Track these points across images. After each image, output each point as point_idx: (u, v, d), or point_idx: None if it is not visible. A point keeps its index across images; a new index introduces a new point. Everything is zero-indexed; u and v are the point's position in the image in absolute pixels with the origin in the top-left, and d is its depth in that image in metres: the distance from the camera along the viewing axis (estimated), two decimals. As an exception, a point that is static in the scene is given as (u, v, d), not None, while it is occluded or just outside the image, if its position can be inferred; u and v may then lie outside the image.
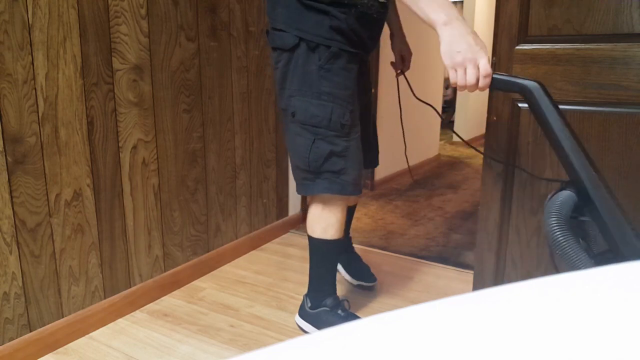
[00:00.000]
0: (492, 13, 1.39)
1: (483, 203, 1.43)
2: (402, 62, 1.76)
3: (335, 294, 1.58)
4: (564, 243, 0.90)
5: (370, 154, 1.66)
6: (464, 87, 1.08)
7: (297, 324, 1.65)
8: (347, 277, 1.94)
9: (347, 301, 1.64)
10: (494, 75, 1.07)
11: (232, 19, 2.01)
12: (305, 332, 1.63)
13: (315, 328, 1.60)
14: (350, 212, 1.89)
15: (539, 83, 1.02)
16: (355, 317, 1.61)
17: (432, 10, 1.10)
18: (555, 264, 1.01)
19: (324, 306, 1.55)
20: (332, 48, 1.33)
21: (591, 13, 1.20)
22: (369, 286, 1.89)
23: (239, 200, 2.18)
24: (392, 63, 1.79)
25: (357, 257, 1.99)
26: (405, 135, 2.07)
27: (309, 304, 1.59)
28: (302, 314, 1.62)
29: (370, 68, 1.69)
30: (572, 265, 0.89)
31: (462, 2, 5.34)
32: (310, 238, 1.54)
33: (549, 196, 0.97)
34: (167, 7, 1.71)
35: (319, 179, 1.43)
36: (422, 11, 1.11)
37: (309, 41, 1.33)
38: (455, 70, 1.08)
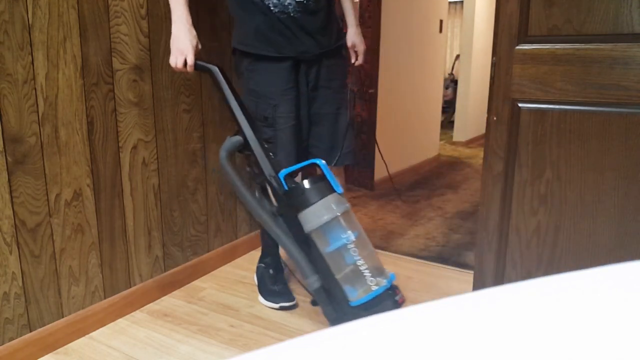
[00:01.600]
0: (492, 13, 1.39)
1: (483, 203, 1.43)
2: (355, 55, 1.79)
3: (275, 255, 1.87)
4: (227, 169, 1.39)
5: (332, 151, 1.69)
6: (175, 69, 1.51)
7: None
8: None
9: (287, 268, 1.93)
10: (197, 62, 1.51)
11: (232, 19, 2.00)
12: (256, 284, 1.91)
13: (257, 279, 1.91)
14: None
15: (219, 67, 1.48)
16: (283, 283, 1.84)
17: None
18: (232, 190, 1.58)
19: (262, 262, 1.89)
20: (253, 53, 1.58)
21: (591, 13, 1.20)
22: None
23: (239, 200, 2.18)
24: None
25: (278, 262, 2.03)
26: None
27: (258, 260, 1.94)
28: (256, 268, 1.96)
29: (340, 66, 1.71)
30: (233, 185, 1.39)
31: (462, 2, 5.34)
32: None
33: (226, 139, 1.44)
34: (167, 7, 1.71)
35: None
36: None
37: (236, 49, 1.64)
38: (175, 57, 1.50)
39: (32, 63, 1.34)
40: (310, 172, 1.61)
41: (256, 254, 2.26)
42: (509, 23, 1.30)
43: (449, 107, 6.33)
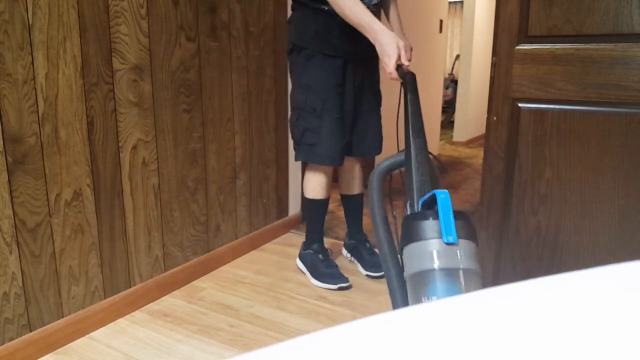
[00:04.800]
0: (492, 13, 1.39)
1: (483, 203, 1.43)
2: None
3: (321, 242, 2.01)
4: (372, 192, 1.17)
5: (372, 143, 1.94)
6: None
7: (297, 265, 2.06)
8: (359, 267, 2.08)
9: (330, 250, 2.06)
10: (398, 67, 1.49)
11: (232, 19, 2.01)
12: (302, 271, 2.01)
13: (304, 266, 2.00)
14: (357, 204, 2.12)
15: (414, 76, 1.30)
16: (334, 266, 1.96)
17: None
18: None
19: (310, 249, 2.00)
20: (308, 50, 1.76)
21: (591, 13, 1.20)
22: (376, 276, 2.00)
23: (239, 200, 2.18)
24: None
25: (369, 249, 2.10)
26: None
27: (302, 248, 2.04)
28: (299, 256, 2.06)
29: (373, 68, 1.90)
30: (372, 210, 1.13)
31: (462, 2, 5.34)
32: (304, 197, 2.01)
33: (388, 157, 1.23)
34: (167, 7, 1.71)
35: (300, 149, 1.86)
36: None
37: (294, 46, 1.80)
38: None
39: (32, 63, 1.34)
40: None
41: (256, 254, 2.26)
42: (509, 23, 1.30)
43: (449, 107, 6.33)
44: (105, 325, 1.62)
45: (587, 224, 1.28)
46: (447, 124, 6.15)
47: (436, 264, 0.80)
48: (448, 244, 0.79)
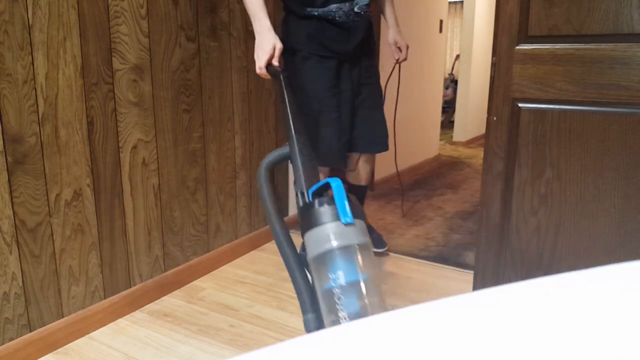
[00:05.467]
0: (492, 13, 1.39)
1: (483, 203, 1.43)
2: (399, 52, 2.00)
3: None
4: (261, 183, 1.19)
5: (373, 139, 1.95)
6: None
7: None
8: None
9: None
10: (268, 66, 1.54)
11: (232, 19, 2.01)
12: None
13: None
14: (360, 191, 2.14)
15: (286, 74, 1.36)
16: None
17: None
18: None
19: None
20: (303, 52, 1.76)
21: (591, 13, 1.20)
22: (379, 252, 2.21)
23: (239, 200, 2.18)
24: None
25: (370, 228, 2.21)
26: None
27: (301, 247, 1.97)
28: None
29: (369, 67, 1.92)
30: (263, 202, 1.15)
31: (462, 2, 5.34)
32: None
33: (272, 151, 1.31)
34: (167, 7, 1.71)
35: None
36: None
37: (289, 47, 1.75)
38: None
39: (32, 63, 1.34)
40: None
41: (256, 254, 2.26)
42: (509, 23, 1.30)
43: (449, 107, 6.33)
44: (105, 325, 1.62)
45: (587, 223, 1.28)
46: (447, 124, 6.15)
47: (335, 244, 0.91)
48: (346, 224, 0.91)
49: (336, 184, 0.99)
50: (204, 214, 2.00)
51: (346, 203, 0.95)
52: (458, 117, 5.45)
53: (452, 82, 6.57)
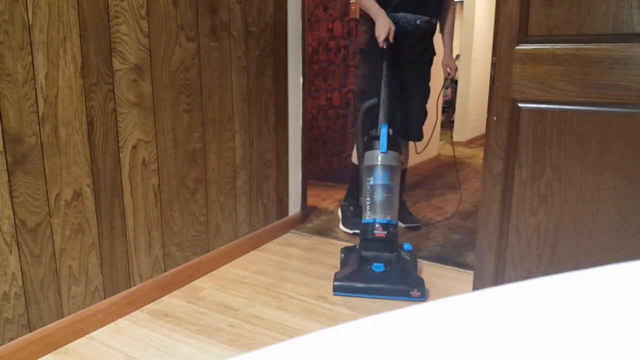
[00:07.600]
0: (492, 13, 1.39)
1: (483, 203, 1.43)
2: (448, 72, 2.49)
3: (356, 198, 2.51)
4: (358, 119, 2.19)
5: (407, 130, 2.47)
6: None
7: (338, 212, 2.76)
8: (399, 223, 2.53)
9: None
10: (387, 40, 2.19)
11: (232, 19, 2.01)
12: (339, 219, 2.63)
13: (341, 214, 2.63)
14: (402, 174, 2.45)
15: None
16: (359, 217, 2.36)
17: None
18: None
19: (346, 201, 2.61)
20: (365, 50, 2.37)
21: (591, 13, 1.20)
22: (415, 226, 2.59)
23: (239, 200, 2.18)
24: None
25: (404, 209, 2.64)
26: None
27: (343, 200, 2.68)
28: (340, 205, 2.69)
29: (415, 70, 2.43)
30: (355, 129, 2.27)
31: (462, 2, 5.34)
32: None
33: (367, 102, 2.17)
34: (167, 7, 1.71)
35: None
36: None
37: (359, 49, 2.44)
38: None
39: (32, 63, 1.34)
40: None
41: (256, 254, 2.26)
42: (509, 23, 1.30)
43: (449, 107, 6.33)
44: (105, 325, 1.62)
45: (587, 223, 1.28)
46: (447, 124, 6.14)
47: (378, 161, 1.95)
48: (383, 152, 1.94)
49: (383, 130, 1.97)
50: (204, 214, 2.00)
51: (386, 141, 1.95)
52: (458, 117, 5.44)
53: (452, 82, 6.57)
